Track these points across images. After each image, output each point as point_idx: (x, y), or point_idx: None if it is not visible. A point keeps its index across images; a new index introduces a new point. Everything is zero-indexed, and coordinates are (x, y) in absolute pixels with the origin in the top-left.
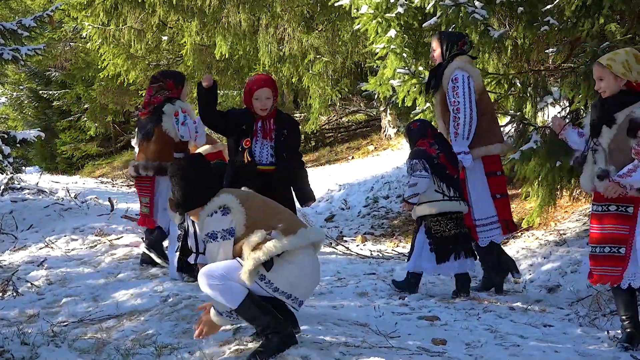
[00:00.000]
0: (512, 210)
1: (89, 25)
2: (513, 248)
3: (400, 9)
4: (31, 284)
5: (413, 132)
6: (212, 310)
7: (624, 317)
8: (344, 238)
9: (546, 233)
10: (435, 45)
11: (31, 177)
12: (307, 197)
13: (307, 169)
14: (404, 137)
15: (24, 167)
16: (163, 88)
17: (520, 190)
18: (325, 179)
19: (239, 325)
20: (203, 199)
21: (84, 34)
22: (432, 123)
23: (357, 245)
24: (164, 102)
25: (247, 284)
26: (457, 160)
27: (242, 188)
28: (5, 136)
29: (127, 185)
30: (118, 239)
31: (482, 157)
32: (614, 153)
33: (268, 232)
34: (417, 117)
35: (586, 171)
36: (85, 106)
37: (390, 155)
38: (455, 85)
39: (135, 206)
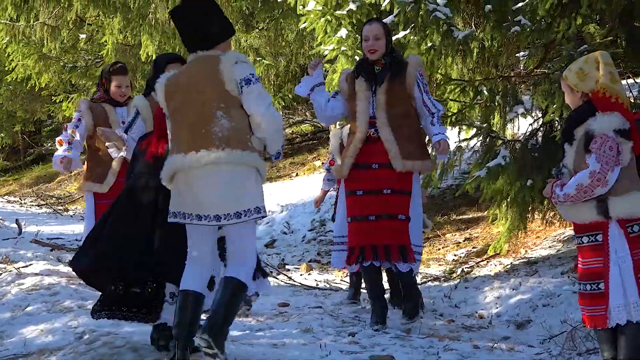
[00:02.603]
0: (477, 235)
1: None
2: (477, 279)
3: (352, 6)
4: None
5: None
6: None
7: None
8: (287, 266)
9: (515, 261)
10: (380, 33)
11: None
12: None
13: None
14: None
15: None
16: None
17: (486, 212)
18: (266, 199)
19: None
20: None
21: None
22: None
23: (302, 275)
24: None
25: None
26: None
27: None
28: None
29: (37, 205)
30: (26, 266)
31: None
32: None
33: None
34: None
35: None
36: None
37: None
38: (424, 80)
39: (47, 229)
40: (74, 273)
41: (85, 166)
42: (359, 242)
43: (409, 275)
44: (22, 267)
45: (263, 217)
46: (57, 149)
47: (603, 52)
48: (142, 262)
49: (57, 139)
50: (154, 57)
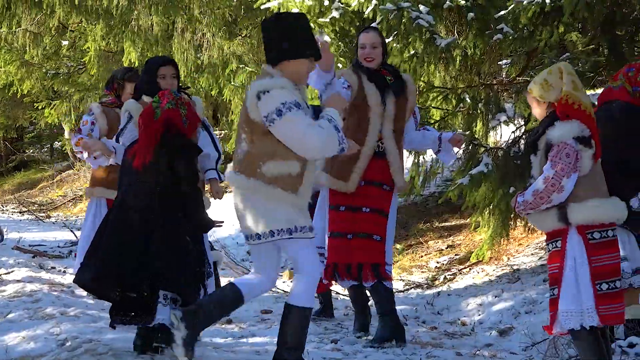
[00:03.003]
0: (460, 242)
1: None
2: (460, 286)
3: (335, 13)
4: None
5: None
6: None
7: None
8: None
9: (498, 268)
10: (377, 42)
11: None
12: None
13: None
14: None
15: None
16: None
17: (469, 219)
18: None
19: None
20: None
21: None
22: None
23: (284, 282)
24: None
25: None
26: None
27: None
28: None
29: (19, 212)
30: (8, 273)
31: None
32: None
33: None
34: None
35: None
36: None
37: None
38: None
39: (29, 236)
40: (56, 280)
41: (95, 171)
42: (335, 260)
43: (385, 291)
44: (4, 274)
45: (281, 239)
46: (77, 150)
47: (565, 63)
48: (139, 267)
49: (74, 141)
50: (136, 64)
